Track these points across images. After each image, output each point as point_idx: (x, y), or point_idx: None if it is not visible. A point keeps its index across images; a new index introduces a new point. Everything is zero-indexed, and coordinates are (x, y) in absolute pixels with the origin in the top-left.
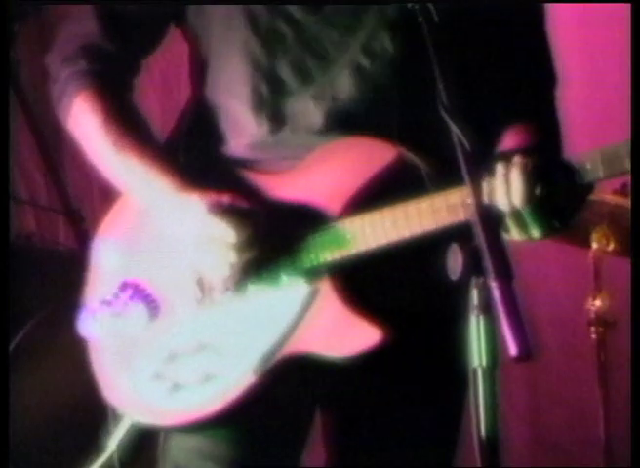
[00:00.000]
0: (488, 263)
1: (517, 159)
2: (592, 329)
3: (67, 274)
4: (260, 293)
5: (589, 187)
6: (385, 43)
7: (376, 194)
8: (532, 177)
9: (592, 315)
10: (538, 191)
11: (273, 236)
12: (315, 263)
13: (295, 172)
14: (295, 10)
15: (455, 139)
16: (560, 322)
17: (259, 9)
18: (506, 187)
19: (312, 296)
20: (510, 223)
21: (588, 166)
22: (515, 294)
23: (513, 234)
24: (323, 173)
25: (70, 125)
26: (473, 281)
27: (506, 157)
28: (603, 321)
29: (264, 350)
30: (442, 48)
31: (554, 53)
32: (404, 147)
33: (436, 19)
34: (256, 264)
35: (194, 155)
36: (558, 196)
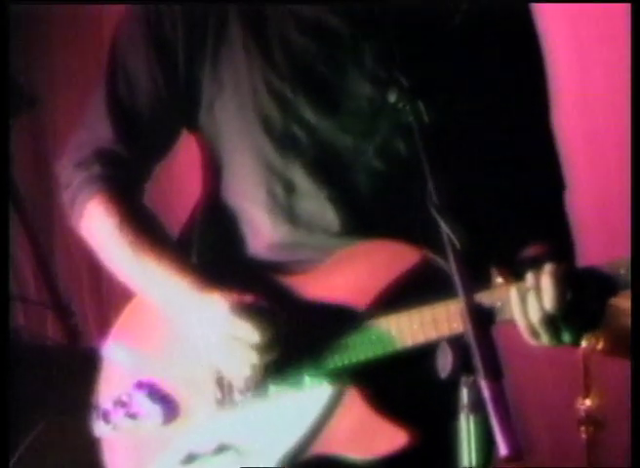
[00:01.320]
0: (478, 363)
1: (548, 267)
2: (582, 428)
3: (60, 370)
4: (282, 394)
5: (616, 291)
6: (400, 147)
7: (401, 295)
8: (563, 284)
9: (582, 414)
10: (569, 297)
11: (296, 337)
12: (339, 364)
13: (316, 272)
14: (309, 114)
15: (445, 238)
16: (550, 421)
17: (273, 114)
18: (538, 294)
19: (336, 398)
20: (541, 330)
21: (622, 271)
22: (505, 394)
23: (543, 340)
24: (346, 274)
25: (83, 229)
26: (463, 379)
27: (536, 264)
28: (593, 420)
29: (288, 452)
30: (433, 147)
31: (562, 155)
32: (427, 249)
33: (426, 119)
34: (278, 365)
35: (209, 256)
36: (589, 301)
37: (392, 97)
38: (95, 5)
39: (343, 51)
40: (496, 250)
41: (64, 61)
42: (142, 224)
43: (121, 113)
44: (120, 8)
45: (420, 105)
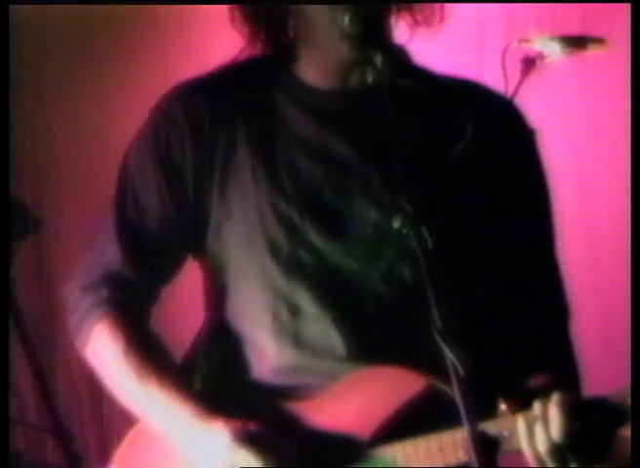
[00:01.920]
0: None
1: (555, 397)
2: None
3: None
4: None
5: (624, 420)
6: (405, 272)
7: (406, 423)
8: (571, 415)
9: None
10: (577, 428)
11: (301, 465)
12: None
13: (322, 399)
14: (315, 238)
15: (449, 365)
16: None
17: (280, 237)
18: (545, 424)
19: None
20: (549, 459)
21: (629, 400)
22: None
23: None
24: (351, 401)
25: (89, 353)
26: None
27: (543, 393)
28: None
29: None
30: (437, 272)
31: (566, 282)
32: (433, 376)
33: (430, 244)
34: None
35: (214, 380)
36: (597, 431)
37: (397, 223)
38: (100, 125)
39: (350, 177)
40: (501, 377)
41: (70, 184)
42: (148, 350)
43: (130, 236)
44: (125, 137)
45: (424, 231)
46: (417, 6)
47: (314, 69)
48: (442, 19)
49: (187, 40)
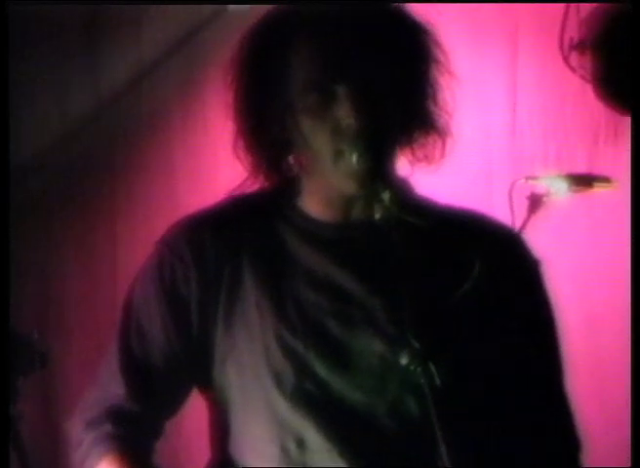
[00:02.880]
0: None
1: None
2: None
3: None
4: None
5: None
6: (411, 407)
7: None
8: None
9: None
10: None
11: None
12: None
13: None
14: (321, 369)
15: None
16: None
17: (285, 369)
18: None
19: None
20: None
21: None
22: None
23: None
24: None
25: None
26: None
27: None
28: None
29: None
30: (445, 410)
31: (576, 416)
32: None
33: (438, 381)
34: None
35: None
36: None
37: (404, 360)
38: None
39: (355, 308)
40: None
41: (77, 319)
42: None
43: (134, 370)
44: (133, 266)
45: (432, 368)
46: (418, 142)
47: (318, 203)
48: (443, 156)
49: (193, 164)
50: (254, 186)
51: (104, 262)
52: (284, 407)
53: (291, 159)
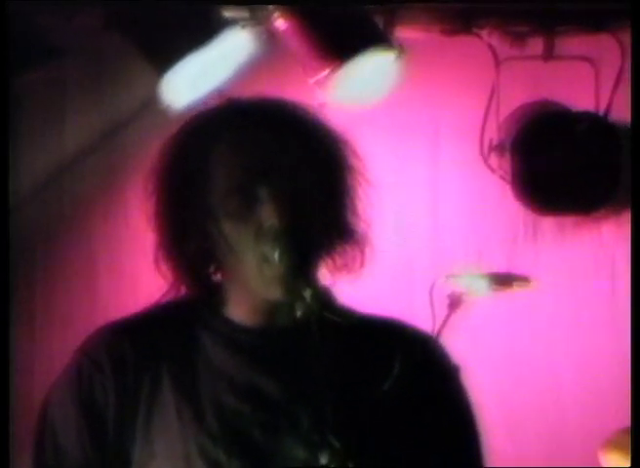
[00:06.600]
0: None
1: None
2: None
3: None
4: None
5: None
6: None
7: None
8: None
9: None
10: None
11: None
12: None
13: None
14: None
15: None
16: None
17: None
18: None
19: None
20: None
21: None
22: None
23: None
24: None
25: None
26: None
27: None
28: None
29: None
30: None
31: None
32: None
33: None
34: None
35: None
36: None
37: (324, 459)
38: None
39: (278, 415)
40: None
41: None
42: None
43: None
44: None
45: (351, 466)
46: (337, 251)
47: (242, 309)
48: (362, 265)
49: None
50: (176, 295)
51: (24, 358)
52: None
53: (212, 268)
